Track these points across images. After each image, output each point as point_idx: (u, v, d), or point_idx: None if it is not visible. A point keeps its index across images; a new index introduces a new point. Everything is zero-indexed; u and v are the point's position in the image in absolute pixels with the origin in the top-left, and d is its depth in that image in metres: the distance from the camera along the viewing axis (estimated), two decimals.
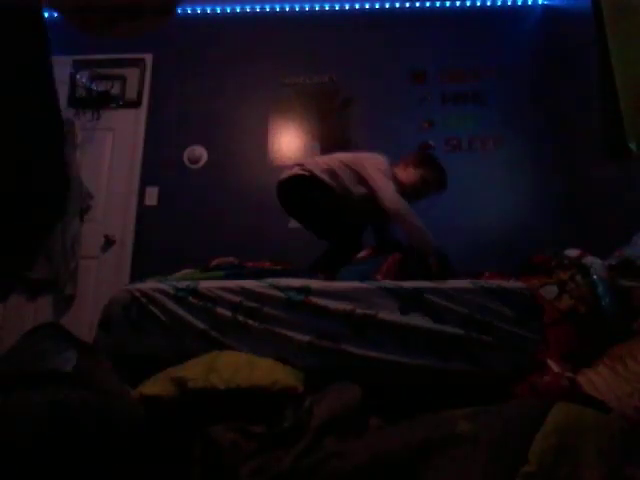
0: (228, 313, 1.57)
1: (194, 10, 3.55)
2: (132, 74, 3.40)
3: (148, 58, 3.44)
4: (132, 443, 1.05)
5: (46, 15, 3.63)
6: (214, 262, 2.12)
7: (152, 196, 3.22)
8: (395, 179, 2.25)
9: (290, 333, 1.54)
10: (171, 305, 1.59)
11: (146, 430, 1.14)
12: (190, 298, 1.60)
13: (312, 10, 3.55)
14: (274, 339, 1.54)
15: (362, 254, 2.05)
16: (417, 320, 1.54)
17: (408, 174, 2.31)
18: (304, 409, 1.16)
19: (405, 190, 2.24)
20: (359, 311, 1.54)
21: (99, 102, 3.32)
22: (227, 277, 1.76)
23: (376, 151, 2.37)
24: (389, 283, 1.61)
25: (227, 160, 3.30)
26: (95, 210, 3.21)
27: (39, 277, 2.95)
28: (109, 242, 3.14)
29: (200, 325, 1.57)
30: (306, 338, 1.53)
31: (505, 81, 3.33)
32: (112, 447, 0.99)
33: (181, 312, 1.58)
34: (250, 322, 1.56)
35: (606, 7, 2.33)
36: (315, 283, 1.63)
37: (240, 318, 1.56)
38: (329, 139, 3.33)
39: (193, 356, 1.46)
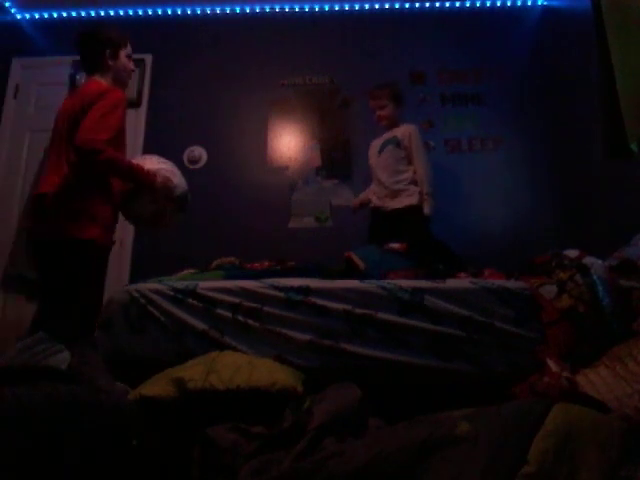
0: (228, 313, 1.57)
1: (194, 10, 3.55)
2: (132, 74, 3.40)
3: (148, 58, 3.44)
4: (122, 437, 1.06)
5: (41, 15, 3.58)
6: (215, 262, 2.12)
7: None
8: None
9: (290, 332, 1.54)
10: (170, 306, 1.59)
11: (144, 429, 1.15)
12: (189, 299, 1.60)
13: (312, 10, 3.55)
14: (274, 339, 1.54)
15: (396, 245, 2.04)
16: (417, 320, 1.54)
17: None
18: (304, 409, 1.16)
19: None
20: (358, 311, 1.55)
21: None
22: (227, 277, 1.76)
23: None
24: (388, 283, 1.61)
25: (227, 160, 3.30)
26: None
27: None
28: None
29: (200, 325, 1.57)
30: (306, 337, 1.53)
31: (505, 81, 3.33)
32: (100, 438, 0.99)
33: (180, 313, 1.58)
34: (250, 322, 1.56)
35: (606, 7, 2.33)
36: (314, 283, 1.63)
37: (240, 318, 1.56)
38: (329, 139, 3.33)
39: (193, 356, 1.46)
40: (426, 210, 2.51)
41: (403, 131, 2.68)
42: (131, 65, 2.12)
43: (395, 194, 2.61)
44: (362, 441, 1.02)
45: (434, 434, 0.93)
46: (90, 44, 2.02)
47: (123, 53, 2.06)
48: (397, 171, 2.63)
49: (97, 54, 2.00)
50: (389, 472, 0.88)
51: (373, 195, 2.74)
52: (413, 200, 2.55)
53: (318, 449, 1.01)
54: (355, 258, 1.89)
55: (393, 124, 2.73)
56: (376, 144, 2.79)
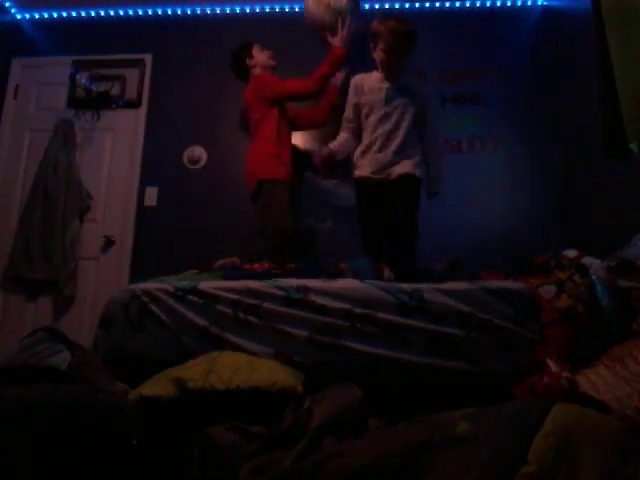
0: (229, 310, 1.58)
1: (194, 10, 3.55)
2: (132, 74, 3.39)
3: (148, 58, 3.44)
4: (122, 437, 1.06)
5: (42, 15, 3.58)
6: (217, 263, 2.12)
7: (152, 196, 3.22)
8: None
9: (290, 329, 1.54)
10: (171, 303, 1.60)
11: (144, 429, 1.15)
12: (190, 296, 1.60)
13: None
14: (274, 335, 1.55)
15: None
16: (416, 320, 1.54)
17: None
18: (303, 410, 1.16)
19: None
20: (358, 310, 1.55)
21: (99, 102, 3.31)
22: (226, 279, 1.76)
23: None
24: (388, 283, 1.62)
25: (227, 160, 3.30)
26: (95, 211, 3.20)
27: (39, 277, 2.95)
28: (109, 243, 3.13)
29: (200, 322, 1.57)
30: (306, 334, 1.53)
31: (505, 81, 3.33)
32: (100, 438, 0.99)
33: (181, 309, 1.59)
34: (251, 318, 1.56)
35: (605, 7, 2.33)
36: (313, 283, 1.63)
37: (241, 315, 1.57)
38: (329, 139, 3.32)
39: (193, 355, 1.46)
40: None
41: (419, 87, 2.37)
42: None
43: (400, 160, 2.25)
44: (362, 441, 1.02)
45: (434, 434, 0.93)
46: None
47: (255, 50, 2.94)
48: (412, 136, 2.29)
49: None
50: (389, 472, 0.88)
51: (364, 161, 2.34)
52: (413, 169, 2.24)
53: (318, 449, 1.01)
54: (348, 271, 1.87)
55: (396, 73, 2.33)
56: (372, 86, 2.37)
